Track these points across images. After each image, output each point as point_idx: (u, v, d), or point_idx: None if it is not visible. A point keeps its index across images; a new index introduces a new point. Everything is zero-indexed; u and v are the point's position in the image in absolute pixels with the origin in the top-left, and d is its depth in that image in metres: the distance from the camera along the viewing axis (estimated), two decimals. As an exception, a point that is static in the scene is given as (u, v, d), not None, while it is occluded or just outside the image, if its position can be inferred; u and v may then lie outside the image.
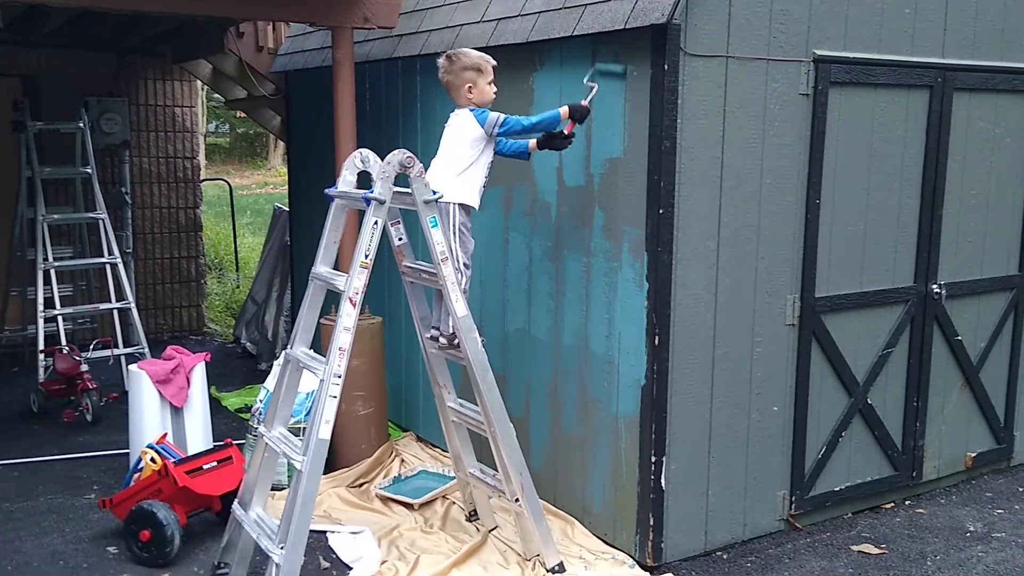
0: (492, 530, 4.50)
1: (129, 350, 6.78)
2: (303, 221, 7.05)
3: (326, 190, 3.92)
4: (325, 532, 4.49)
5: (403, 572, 4.07)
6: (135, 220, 8.20)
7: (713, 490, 4.34)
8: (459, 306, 3.90)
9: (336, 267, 3.91)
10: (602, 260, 4.29)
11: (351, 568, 4.18)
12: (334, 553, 4.33)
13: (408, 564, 4.12)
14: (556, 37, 4.31)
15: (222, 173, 19.85)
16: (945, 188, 4.84)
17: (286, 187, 7.71)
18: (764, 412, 4.45)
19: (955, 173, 4.88)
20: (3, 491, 5.06)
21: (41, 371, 6.39)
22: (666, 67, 3.86)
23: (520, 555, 4.24)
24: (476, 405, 4.10)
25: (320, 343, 4.95)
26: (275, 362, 5.58)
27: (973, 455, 5.27)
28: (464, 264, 4.11)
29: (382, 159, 3.74)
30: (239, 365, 7.68)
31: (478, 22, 4.91)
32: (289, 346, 3.86)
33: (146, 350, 6.68)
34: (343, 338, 3.58)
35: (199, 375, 5.18)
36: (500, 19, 4.74)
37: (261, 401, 5.15)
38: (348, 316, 3.60)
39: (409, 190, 3.82)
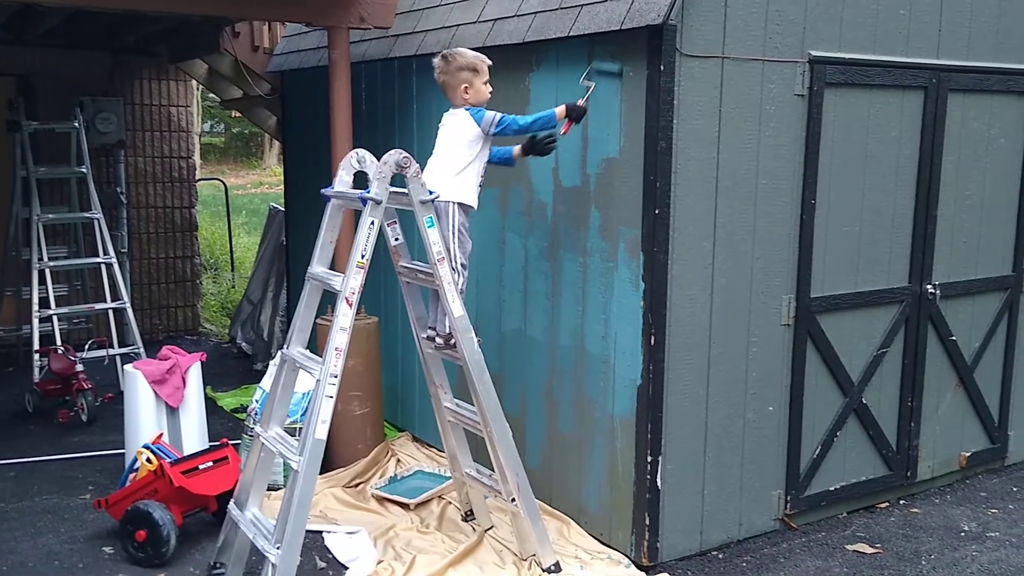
0: (488, 530, 4.51)
1: (124, 350, 6.77)
2: (299, 221, 7.05)
3: (322, 190, 3.92)
4: (321, 532, 4.49)
5: (399, 572, 4.07)
6: (130, 220, 8.18)
7: (709, 490, 4.35)
8: (455, 306, 3.90)
9: (332, 267, 3.91)
10: (598, 260, 4.30)
11: (347, 568, 4.18)
12: (330, 553, 4.33)
13: (404, 564, 4.13)
14: (552, 37, 4.31)
15: (217, 173, 19.83)
16: (939, 189, 4.86)
17: (281, 187, 7.71)
18: (760, 412, 4.46)
19: (949, 174, 4.90)
20: (-2, 491, 5.06)
21: (36, 371, 6.38)
22: (662, 68, 3.87)
23: (516, 555, 4.25)
24: (472, 405, 4.11)
25: (316, 343, 4.96)
26: (271, 362, 5.58)
27: (967, 455, 5.29)
28: (461, 264, 4.11)
29: (378, 159, 3.74)
30: (235, 365, 7.67)
31: (474, 22, 4.91)
32: (285, 346, 3.86)
33: (141, 350, 6.67)
34: (339, 338, 3.58)
35: (195, 375, 5.18)
36: (496, 19, 4.74)
37: (257, 401, 5.15)
38: (344, 316, 3.60)
39: (405, 190, 3.83)
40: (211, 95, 10.68)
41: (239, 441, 5.23)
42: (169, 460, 4.37)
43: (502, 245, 4.89)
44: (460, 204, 4.08)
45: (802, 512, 4.69)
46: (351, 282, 3.63)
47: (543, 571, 4.09)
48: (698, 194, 4.08)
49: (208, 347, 8.16)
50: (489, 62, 4.17)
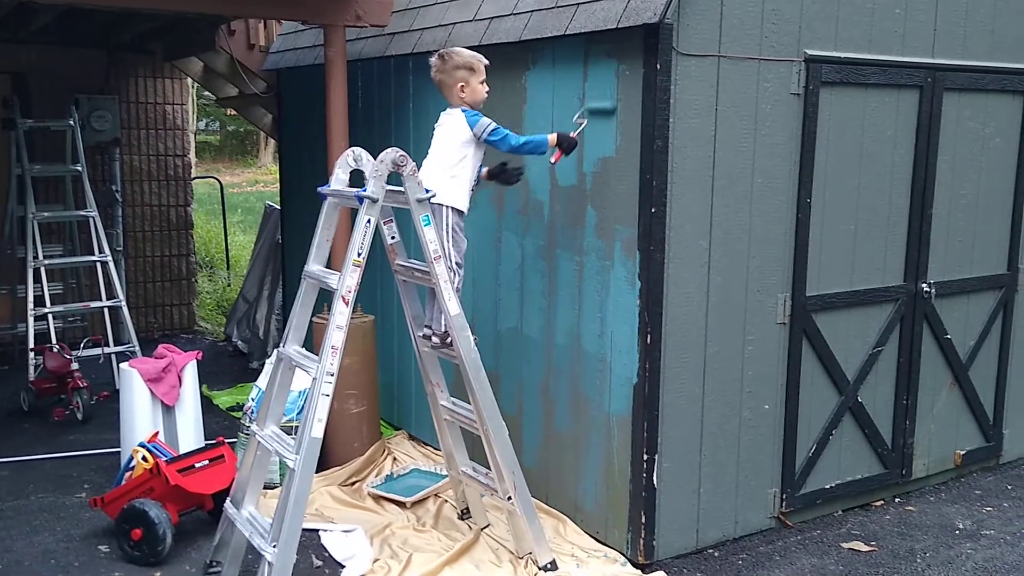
0: (484, 528, 4.51)
1: (120, 348, 6.77)
2: (295, 219, 7.04)
3: (319, 188, 3.91)
4: (317, 530, 4.49)
5: (395, 570, 4.07)
6: (125, 218, 8.17)
7: (704, 488, 4.36)
8: (452, 304, 3.90)
9: (329, 265, 3.91)
10: (594, 259, 4.30)
11: (343, 566, 4.18)
12: (326, 551, 4.33)
13: (400, 562, 4.13)
14: (549, 36, 4.31)
15: (212, 171, 19.78)
16: (935, 188, 4.87)
17: (277, 185, 7.70)
18: (755, 410, 4.47)
19: (945, 173, 4.91)
20: (-7, 490, 5.05)
21: (31, 369, 6.37)
22: (658, 66, 3.87)
23: (512, 553, 4.25)
24: (469, 403, 4.11)
25: (312, 341, 4.95)
26: (267, 360, 5.57)
27: (962, 453, 5.31)
28: (457, 263, 4.11)
29: (375, 157, 3.74)
30: (230, 363, 7.67)
31: (471, 21, 4.91)
32: (281, 344, 3.86)
33: (137, 348, 6.66)
34: (336, 336, 3.58)
35: (190, 373, 5.17)
36: (493, 18, 4.74)
37: (253, 399, 5.14)
38: (341, 314, 3.60)
39: (402, 188, 3.83)
40: (207, 93, 10.65)
41: (235, 439, 5.22)
42: (165, 458, 4.36)
43: (498, 244, 4.90)
44: (453, 207, 4.08)
45: (798, 510, 4.70)
46: (347, 280, 3.62)
47: (539, 569, 4.09)
48: (694, 193, 4.09)
49: (203, 345, 8.15)
50: (486, 61, 4.17)
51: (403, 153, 3.76)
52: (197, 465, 4.43)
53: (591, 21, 4.09)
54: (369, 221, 3.67)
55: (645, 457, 4.13)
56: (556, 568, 4.10)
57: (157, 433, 4.78)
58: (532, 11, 4.48)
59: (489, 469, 4.15)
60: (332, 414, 3.77)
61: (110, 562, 4.25)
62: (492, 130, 4.04)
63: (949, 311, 5.09)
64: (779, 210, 4.36)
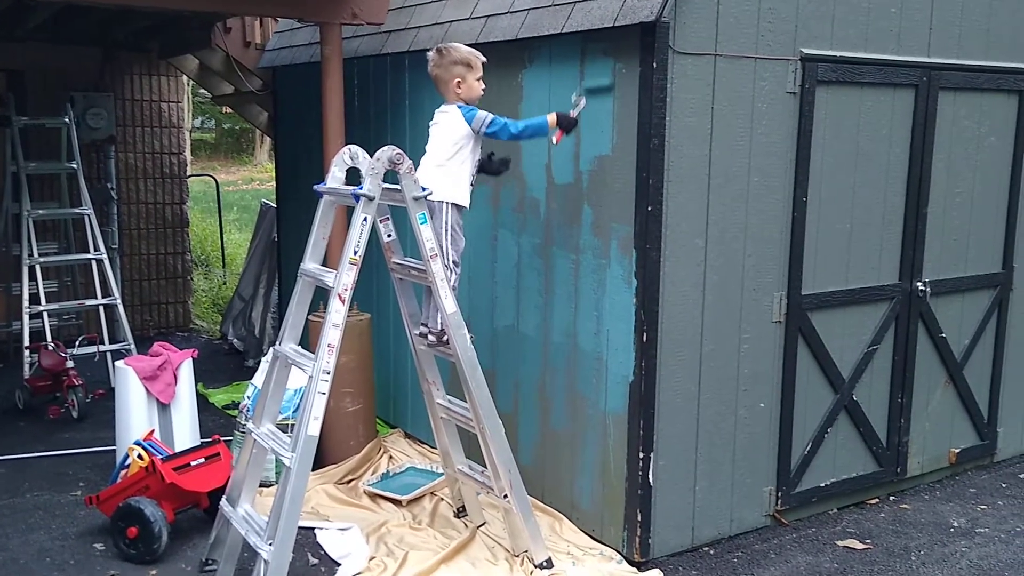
0: (480, 526, 4.51)
1: (115, 346, 6.76)
2: (290, 217, 7.04)
3: (315, 186, 3.91)
4: (313, 528, 4.49)
5: (391, 568, 4.07)
6: (121, 216, 8.15)
7: (700, 486, 4.37)
8: (448, 303, 3.90)
9: (325, 263, 3.91)
10: (591, 257, 4.30)
11: (339, 564, 4.18)
12: (322, 549, 4.33)
13: (396, 560, 4.13)
14: (545, 34, 4.31)
15: (208, 169, 19.76)
16: (930, 186, 4.88)
17: (272, 183, 7.70)
18: (751, 408, 4.47)
19: (940, 172, 4.92)
20: (-12, 488, 5.04)
21: (26, 367, 6.36)
22: (655, 65, 3.87)
23: (508, 551, 4.26)
24: (465, 402, 4.11)
25: (309, 339, 4.95)
26: (263, 359, 5.57)
27: (957, 451, 5.32)
28: (454, 262, 4.11)
29: (371, 155, 3.74)
30: (226, 362, 7.66)
31: (467, 18, 4.91)
32: (278, 342, 3.85)
33: (132, 346, 6.65)
34: (332, 334, 3.58)
35: (186, 371, 5.16)
36: (489, 16, 4.74)
37: (249, 398, 5.14)
38: (337, 312, 3.60)
39: (398, 187, 3.82)
40: (202, 91, 10.64)
41: (231, 438, 5.22)
42: (161, 456, 4.36)
43: (495, 242, 4.90)
44: (453, 203, 4.08)
45: (793, 508, 4.71)
46: (344, 278, 3.62)
47: (535, 567, 4.10)
48: (690, 191, 4.09)
49: (199, 343, 8.13)
50: (483, 59, 4.16)
51: (399, 151, 3.75)
52: (193, 463, 4.43)
53: (588, 19, 4.09)
54: (365, 219, 3.67)
55: (641, 455, 4.14)
56: (552, 566, 4.11)
57: (153, 431, 4.77)
58: (529, 9, 4.48)
59: (485, 467, 4.16)
60: (328, 412, 3.76)
61: (106, 560, 4.24)
62: (490, 122, 4.04)
63: (944, 310, 5.10)
64: (775, 209, 4.37)
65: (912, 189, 4.82)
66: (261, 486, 4.36)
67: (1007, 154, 5.21)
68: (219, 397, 6.62)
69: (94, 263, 6.87)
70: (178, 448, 4.85)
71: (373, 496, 4.87)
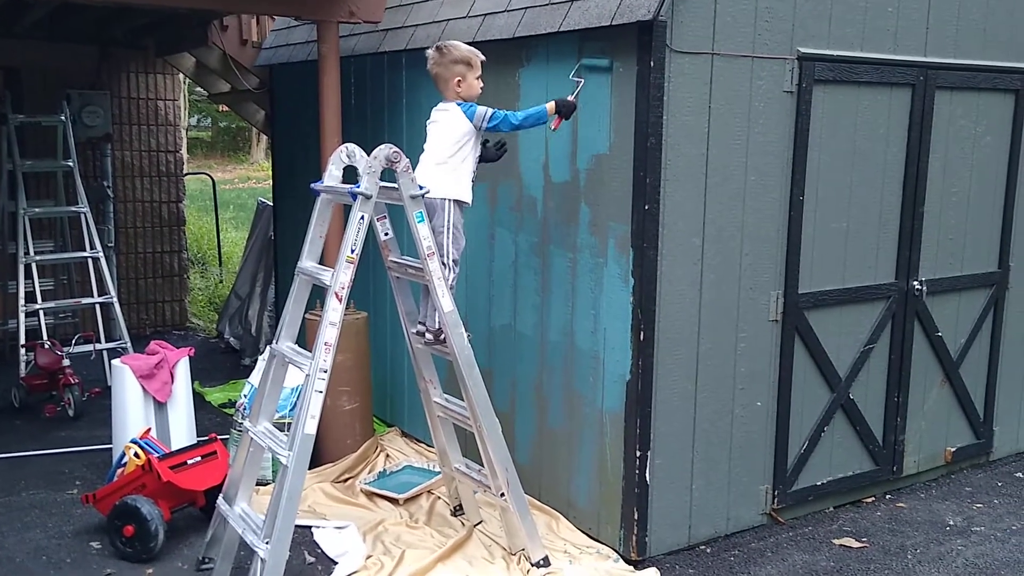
0: (477, 525, 4.51)
1: (111, 345, 6.75)
2: (287, 216, 7.03)
3: (312, 185, 3.91)
4: (310, 527, 4.49)
5: (388, 567, 4.07)
6: (117, 214, 8.14)
7: (697, 485, 4.37)
8: (445, 301, 3.90)
9: (322, 262, 3.91)
10: (588, 256, 4.30)
11: (336, 563, 4.18)
12: (319, 548, 4.33)
13: (393, 559, 4.13)
14: (543, 33, 4.31)
15: (204, 167, 19.74)
16: (926, 186, 4.89)
17: (269, 181, 7.69)
18: (747, 407, 4.48)
19: (936, 171, 4.92)
20: (-16, 486, 5.03)
21: (22, 366, 6.35)
22: (652, 64, 3.87)
23: (505, 549, 4.26)
24: (462, 400, 4.11)
25: (305, 338, 4.95)
26: (259, 357, 5.57)
27: (953, 450, 5.33)
28: (453, 260, 4.10)
29: (368, 154, 3.74)
30: (222, 360, 7.65)
31: (464, 17, 4.91)
32: (274, 341, 3.85)
33: (128, 345, 6.64)
34: (329, 333, 3.58)
35: (183, 370, 5.16)
36: (487, 14, 4.74)
37: (246, 396, 5.14)
38: (334, 311, 3.60)
39: (395, 185, 3.82)
40: (199, 89, 10.62)
41: (227, 436, 5.21)
42: (157, 455, 4.35)
43: (491, 240, 4.90)
44: (456, 201, 4.07)
45: (789, 507, 4.72)
46: (341, 277, 3.62)
47: (532, 565, 4.10)
48: (688, 190, 4.10)
49: (196, 342, 8.12)
50: (483, 57, 4.16)
51: (396, 149, 3.75)
52: (189, 462, 4.43)
53: (585, 18, 4.09)
54: (363, 217, 3.67)
55: (638, 454, 4.14)
56: (549, 564, 4.11)
57: (149, 429, 4.77)
58: (526, 8, 4.48)
59: (482, 466, 4.16)
60: (325, 411, 3.76)
61: (102, 559, 4.24)
62: (491, 116, 4.04)
63: (940, 309, 5.11)
64: (772, 207, 4.37)
65: (908, 188, 4.83)
66: (258, 484, 4.36)
67: (1003, 153, 5.22)
68: (216, 395, 6.61)
69: (90, 261, 6.86)
70: (175, 446, 4.85)
71: (370, 495, 4.86)
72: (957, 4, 4.80)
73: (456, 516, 4.62)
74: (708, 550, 4.40)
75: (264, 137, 17.10)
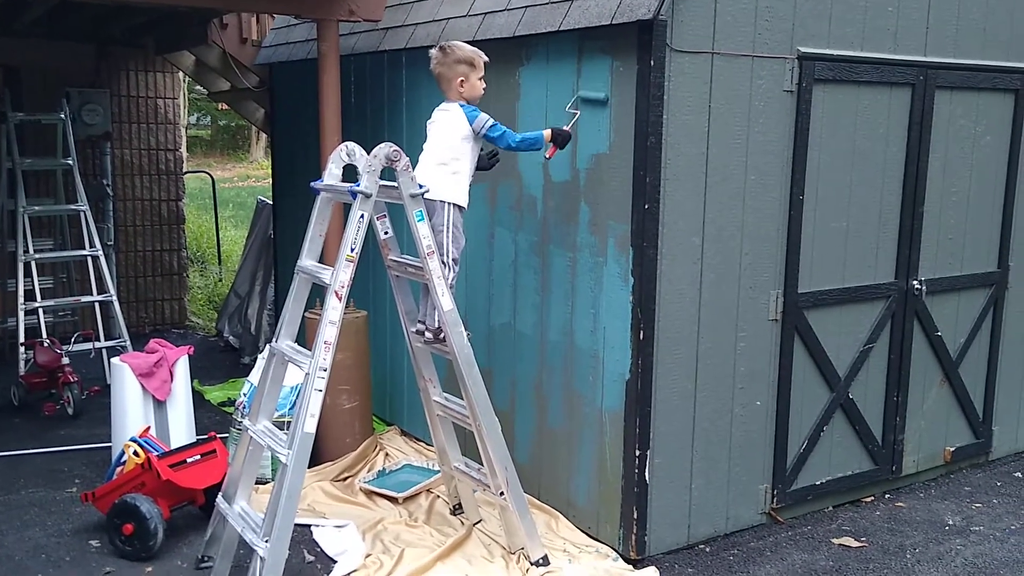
0: (477, 523, 4.51)
1: (110, 343, 6.75)
2: (287, 214, 7.03)
3: (312, 183, 3.91)
4: (309, 526, 4.49)
5: (387, 565, 4.07)
6: (116, 212, 8.14)
7: (696, 484, 4.38)
8: (445, 300, 3.90)
9: (322, 260, 3.91)
10: (588, 255, 4.30)
11: (335, 561, 4.18)
12: (318, 547, 4.33)
13: (393, 557, 4.13)
14: (543, 32, 4.31)
15: (204, 166, 19.72)
16: (926, 185, 4.89)
17: (268, 180, 7.69)
18: (747, 407, 4.48)
19: (936, 171, 4.92)
20: (-16, 485, 5.03)
21: (22, 364, 6.35)
22: (652, 63, 3.87)
23: (505, 548, 4.26)
24: (461, 399, 4.11)
25: (305, 337, 4.95)
26: (259, 355, 5.57)
27: (952, 449, 5.33)
28: (453, 260, 4.10)
29: (368, 152, 3.74)
30: (222, 359, 7.65)
31: (464, 16, 4.91)
32: (274, 339, 3.85)
33: (128, 343, 6.64)
34: (328, 332, 3.58)
35: (182, 368, 5.16)
36: (487, 13, 4.74)
37: (245, 395, 5.14)
38: (334, 310, 3.59)
39: (395, 184, 3.82)
40: (197, 87, 10.62)
41: (226, 435, 5.21)
42: (156, 453, 4.36)
43: (491, 239, 4.90)
44: (454, 204, 4.07)
45: (788, 506, 4.72)
46: (340, 275, 3.62)
47: (531, 564, 4.10)
48: (687, 189, 4.10)
49: (195, 340, 8.12)
50: (486, 58, 4.16)
51: (396, 148, 3.75)
52: (189, 460, 4.42)
53: (585, 17, 4.09)
54: (362, 216, 3.67)
55: (637, 453, 4.14)
56: (548, 563, 4.11)
57: (148, 428, 4.77)
58: (526, 7, 4.48)
59: (481, 465, 4.16)
60: (324, 409, 3.76)
61: (101, 557, 4.24)
62: (491, 126, 4.04)
63: (940, 308, 5.11)
64: (772, 207, 4.37)
65: (908, 188, 4.83)
66: (257, 483, 4.36)
67: (1003, 153, 5.22)
68: (215, 394, 6.61)
69: (90, 259, 6.86)
70: (174, 445, 4.85)
71: (369, 493, 4.87)
72: (957, 4, 4.80)
73: (455, 515, 4.62)
74: (707, 549, 4.41)
75: (264, 135, 17.11)
